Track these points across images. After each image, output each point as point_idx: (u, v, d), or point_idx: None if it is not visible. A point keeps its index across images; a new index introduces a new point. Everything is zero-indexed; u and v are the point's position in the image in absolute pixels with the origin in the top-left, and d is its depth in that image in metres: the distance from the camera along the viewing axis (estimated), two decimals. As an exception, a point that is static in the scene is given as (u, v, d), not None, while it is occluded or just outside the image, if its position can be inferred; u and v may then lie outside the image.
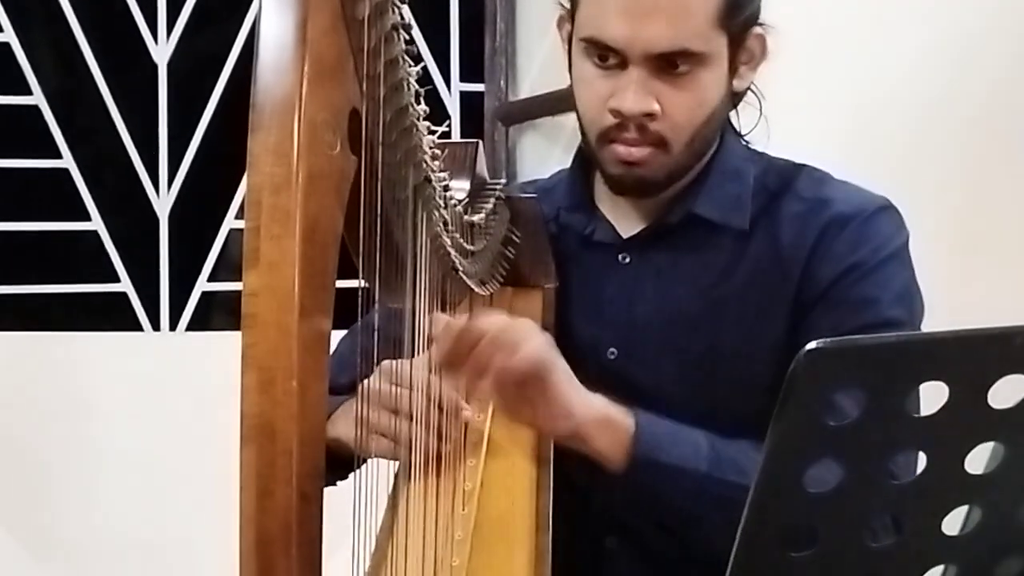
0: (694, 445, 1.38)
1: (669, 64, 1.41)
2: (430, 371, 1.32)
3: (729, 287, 1.50)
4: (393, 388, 1.32)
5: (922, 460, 0.87)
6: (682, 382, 1.48)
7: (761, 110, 1.54)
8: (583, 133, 1.51)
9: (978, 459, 0.88)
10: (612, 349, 1.52)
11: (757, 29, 1.47)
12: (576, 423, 1.32)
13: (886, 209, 1.50)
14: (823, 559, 0.87)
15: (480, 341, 1.24)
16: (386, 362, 1.31)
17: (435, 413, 1.35)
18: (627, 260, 1.54)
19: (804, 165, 1.55)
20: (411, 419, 1.32)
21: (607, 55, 1.43)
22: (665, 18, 1.39)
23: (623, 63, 1.42)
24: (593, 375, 1.49)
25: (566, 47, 1.50)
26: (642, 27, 1.39)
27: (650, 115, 1.43)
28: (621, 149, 1.45)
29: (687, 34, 1.40)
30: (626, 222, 1.55)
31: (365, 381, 1.28)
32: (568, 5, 1.49)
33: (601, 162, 1.49)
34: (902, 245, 1.49)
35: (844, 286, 1.45)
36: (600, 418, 1.34)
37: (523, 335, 1.27)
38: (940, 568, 0.92)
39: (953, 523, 0.90)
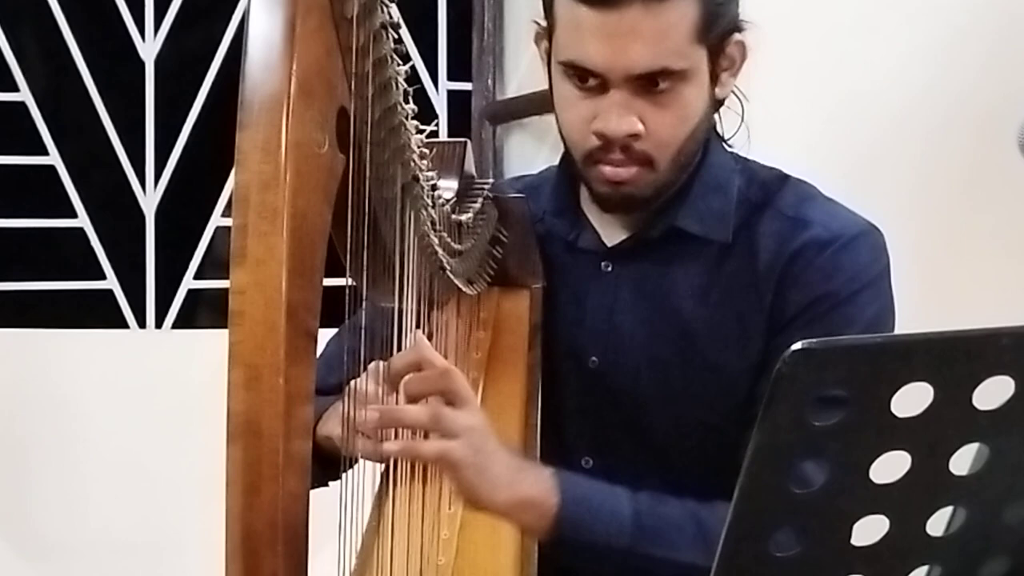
0: (619, 520, 1.35)
1: (650, 83, 1.40)
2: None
3: (709, 300, 1.49)
4: (380, 389, 1.32)
5: (907, 461, 0.87)
6: (661, 391, 1.48)
7: (743, 114, 1.52)
8: (568, 152, 1.50)
9: (963, 460, 0.88)
10: (593, 357, 1.52)
11: (736, 36, 1.46)
12: (493, 509, 1.30)
13: (867, 234, 1.46)
14: (807, 559, 0.87)
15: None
16: (374, 363, 1.31)
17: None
18: (609, 268, 1.54)
19: (790, 177, 1.53)
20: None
21: (587, 77, 1.41)
22: (643, 40, 1.37)
23: (604, 85, 1.41)
24: (575, 381, 1.49)
25: (545, 62, 1.49)
26: (621, 50, 1.38)
27: (634, 135, 1.42)
28: (608, 170, 1.44)
29: (666, 53, 1.39)
30: (611, 230, 1.54)
31: (352, 382, 1.28)
32: (545, 24, 1.47)
33: (588, 181, 1.49)
34: (879, 274, 1.46)
35: (812, 316, 1.43)
36: (519, 502, 1.30)
37: (443, 424, 1.24)
38: (924, 569, 0.92)
39: (938, 524, 0.90)
